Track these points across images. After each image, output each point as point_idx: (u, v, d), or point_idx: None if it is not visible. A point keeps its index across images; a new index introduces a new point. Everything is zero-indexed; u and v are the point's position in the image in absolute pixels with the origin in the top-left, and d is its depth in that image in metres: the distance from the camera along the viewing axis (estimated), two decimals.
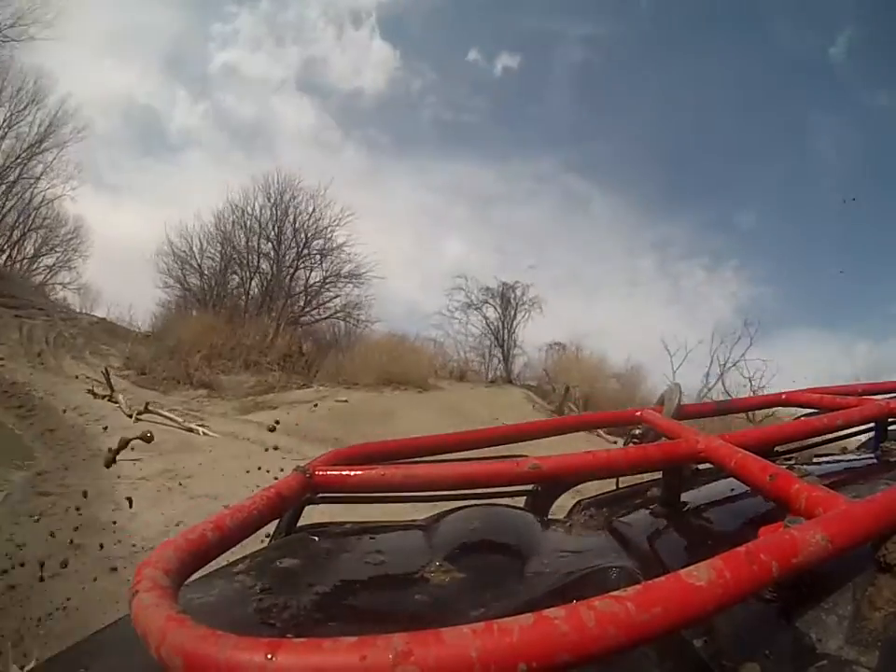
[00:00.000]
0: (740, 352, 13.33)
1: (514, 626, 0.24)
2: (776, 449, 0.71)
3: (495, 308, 15.07)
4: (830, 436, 0.69)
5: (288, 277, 15.20)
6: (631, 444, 0.72)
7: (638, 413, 0.73)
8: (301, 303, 15.30)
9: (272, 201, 15.38)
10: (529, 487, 0.63)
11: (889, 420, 0.71)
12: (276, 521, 0.52)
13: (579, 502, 0.65)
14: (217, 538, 0.37)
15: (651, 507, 0.60)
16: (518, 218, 18.14)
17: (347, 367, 10.76)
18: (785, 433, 0.60)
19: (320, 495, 0.53)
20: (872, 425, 0.71)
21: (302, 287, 15.48)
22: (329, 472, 0.51)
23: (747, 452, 0.48)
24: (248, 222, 15.25)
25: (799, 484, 0.40)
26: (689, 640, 0.36)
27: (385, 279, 14.74)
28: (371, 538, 0.53)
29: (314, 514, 0.59)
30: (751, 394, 11.26)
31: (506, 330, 14.80)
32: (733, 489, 0.58)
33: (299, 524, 0.57)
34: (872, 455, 0.70)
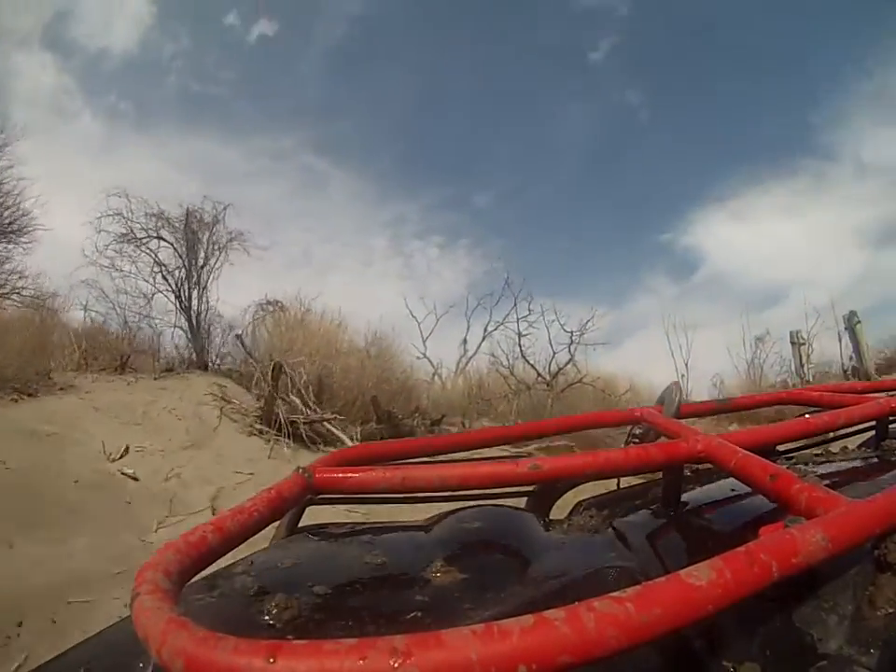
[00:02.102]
0: (503, 314, 11.30)
1: (514, 628, 0.24)
2: (776, 448, 0.71)
3: (173, 247, 8.67)
4: (831, 435, 0.69)
5: None
6: (631, 444, 0.72)
7: (638, 413, 0.73)
8: None
9: None
10: (530, 488, 0.63)
11: (890, 419, 0.71)
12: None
13: (579, 503, 0.65)
14: (218, 539, 0.37)
15: (651, 507, 0.60)
16: (254, 199, 17.43)
17: None
18: (786, 432, 0.60)
19: (321, 496, 0.53)
20: (873, 423, 0.71)
21: None
22: (329, 473, 0.51)
23: (747, 452, 0.48)
24: None
25: (799, 484, 0.40)
26: (689, 640, 0.36)
27: (53, 230, 8.77)
28: (371, 538, 0.54)
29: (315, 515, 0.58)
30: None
31: (193, 283, 8.66)
32: (733, 489, 0.58)
33: (299, 524, 0.57)
34: (872, 455, 0.70)
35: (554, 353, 11.18)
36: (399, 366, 9.27)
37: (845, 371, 13.88)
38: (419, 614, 0.40)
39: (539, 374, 10.86)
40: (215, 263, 8.89)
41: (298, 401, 6.29)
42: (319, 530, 0.56)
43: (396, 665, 0.22)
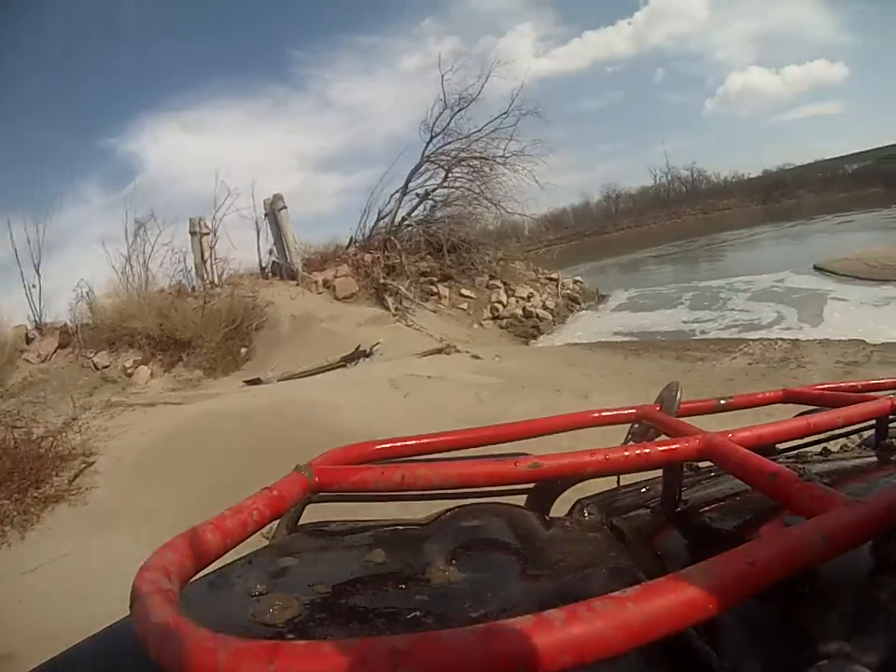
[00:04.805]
0: None
1: (514, 629, 0.24)
2: (776, 447, 0.71)
3: None
4: (831, 433, 0.69)
5: None
6: (631, 442, 0.72)
7: (639, 411, 0.73)
8: None
9: None
10: (530, 486, 0.63)
11: (890, 418, 0.71)
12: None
13: (579, 501, 0.65)
14: (218, 538, 0.37)
15: (651, 506, 0.60)
16: None
17: None
18: (786, 431, 0.60)
19: (321, 494, 0.53)
20: (873, 422, 0.71)
21: None
22: (329, 472, 0.51)
23: (747, 450, 0.48)
24: None
25: (800, 483, 0.40)
26: (689, 640, 0.36)
27: None
28: (371, 537, 0.53)
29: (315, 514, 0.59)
30: None
31: None
32: (733, 488, 0.58)
33: (299, 523, 0.57)
34: (873, 453, 0.70)
35: None
36: None
37: (263, 268, 11.17)
38: (419, 613, 0.40)
39: None
40: None
41: None
42: (319, 529, 0.56)
43: (395, 665, 0.22)
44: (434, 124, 12.73)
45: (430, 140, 12.68)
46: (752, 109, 66.21)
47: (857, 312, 8.99)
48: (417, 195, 12.54)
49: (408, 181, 12.57)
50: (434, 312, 10.88)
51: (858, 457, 0.70)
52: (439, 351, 7.95)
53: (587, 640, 0.24)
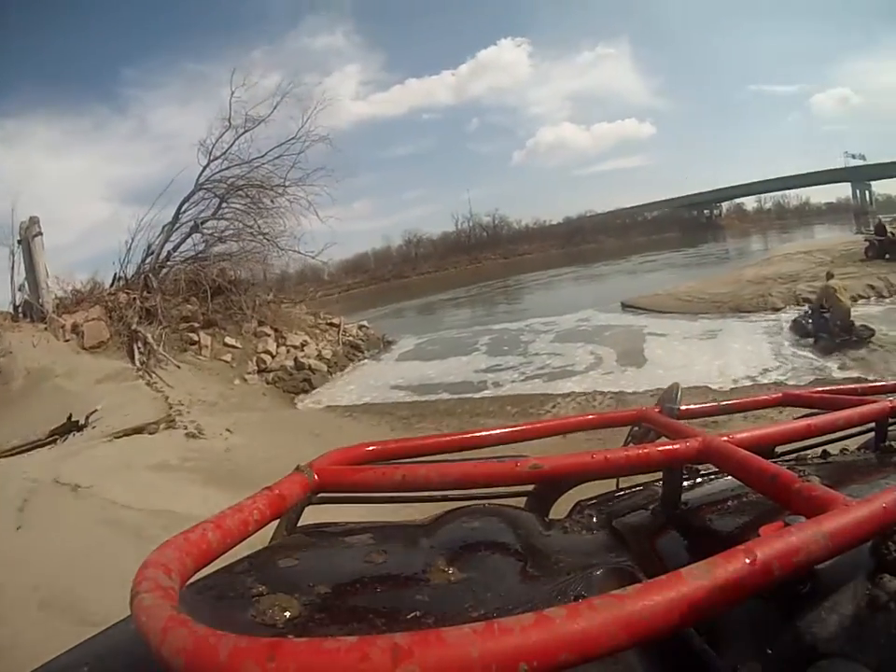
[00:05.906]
0: None
1: (515, 626, 0.24)
2: (776, 449, 0.72)
3: None
4: (830, 436, 0.69)
5: None
6: (631, 444, 0.72)
7: (639, 413, 0.74)
8: None
9: None
10: (530, 487, 0.63)
11: (890, 420, 0.71)
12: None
13: (579, 502, 0.65)
14: (218, 537, 0.37)
15: (651, 507, 0.60)
16: None
17: None
18: (785, 433, 0.60)
19: (321, 494, 0.53)
20: (872, 425, 0.71)
21: None
22: (329, 472, 0.51)
23: (747, 452, 0.48)
24: None
25: (799, 484, 0.40)
26: (689, 640, 0.36)
27: None
28: (371, 537, 0.53)
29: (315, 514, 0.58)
30: None
31: None
32: (733, 489, 0.58)
33: (299, 523, 0.57)
34: (872, 456, 0.70)
35: None
36: None
37: (16, 308, 9.18)
38: (419, 614, 0.40)
39: None
40: None
41: None
42: (319, 529, 0.56)
43: (396, 662, 0.22)
44: (214, 146, 10.97)
45: (208, 164, 10.95)
46: (560, 161, 69.98)
47: (682, 347, 8.17)
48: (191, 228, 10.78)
49: (178, 211, 10.70)
50: (179, 367, 8.95)
51: (857, 459, 0.71)
52: (138, 430, 6.28)
53: (587, 638, 0.24)
